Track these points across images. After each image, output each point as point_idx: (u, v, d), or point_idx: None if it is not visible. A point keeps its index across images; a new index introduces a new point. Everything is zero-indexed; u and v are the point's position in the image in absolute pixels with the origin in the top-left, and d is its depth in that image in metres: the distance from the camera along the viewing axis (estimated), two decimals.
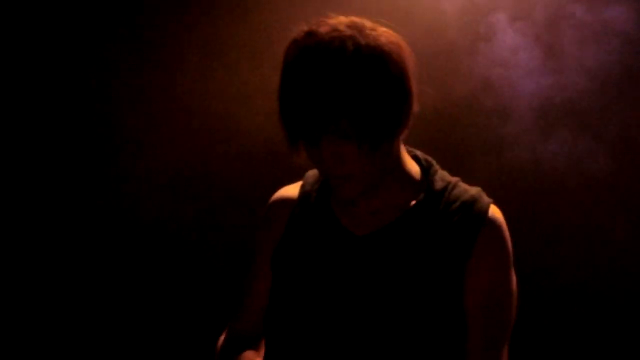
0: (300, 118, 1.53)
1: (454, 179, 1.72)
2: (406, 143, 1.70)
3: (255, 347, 1.80)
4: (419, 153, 1.75)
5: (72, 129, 3.06)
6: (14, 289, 3.02)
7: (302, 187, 1.78)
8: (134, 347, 3.04)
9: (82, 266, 3.05)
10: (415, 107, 1.60)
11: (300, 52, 1.53)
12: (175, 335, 3.05)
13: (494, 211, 1.68)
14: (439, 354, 1.62)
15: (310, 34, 1.53)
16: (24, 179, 3.05)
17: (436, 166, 1.74)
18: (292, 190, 1.80)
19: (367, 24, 1.55)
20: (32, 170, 3.05)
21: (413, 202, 1.67)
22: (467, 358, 1.64)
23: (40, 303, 3.04)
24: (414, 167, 1.71)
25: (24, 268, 3.04)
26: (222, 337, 1.86)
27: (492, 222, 1.66)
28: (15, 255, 3.04)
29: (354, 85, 1.49)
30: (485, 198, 1.69)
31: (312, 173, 1.78)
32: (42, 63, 3.05)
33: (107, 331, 3.04)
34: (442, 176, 1.72)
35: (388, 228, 1.65)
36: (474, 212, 1.66)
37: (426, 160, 1.74)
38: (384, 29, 1.57)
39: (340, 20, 1.55)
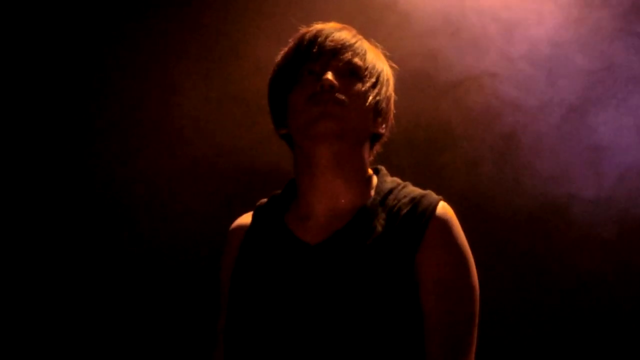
0: (314, 45, 1.75)
1: (405, 182, 1.80)
2: None
3: None
4: (381, 167, 1.85)
5: (71, 128, 3.06)
6: (12, 287, 2.99)
7: (255, 210, 1.86)
8: (133, 347, 2.99)
9: (82, 265, 3.01)
10: (391, 119, 1.84)
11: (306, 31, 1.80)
12: (173, 336, 2.98)
13: (444, 207, 1.71)
14: (401, 354, 1.61)
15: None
16: (25, 179, 3.03)
17: (386, 171, 1.83)
18: (245, 217, 1.88)
19: None
20: (33, 169, 3.04)
21: (363, 204, 1.73)
22: (428, 357, 1.62)
23: (41, 301, 2.99)
24: (372, 176, 1.81)
25: (24, 264, 3.00)
26: None
27: (441, 216, 1.68)
28: (14, 251, 3.01)
29: (362, 42, 1.79)
30: (435, 195, 1.73)
31: (264, 200, 1.88)
32: (46, 65, 3.07)
33: (106, 330, 2.99)
34: (393, 179, 1.80)
35: (340, 233, 1.69)
36: (422, 206, 1.68)
37: (377, 168, 1.84)
38: None
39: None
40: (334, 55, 1.74)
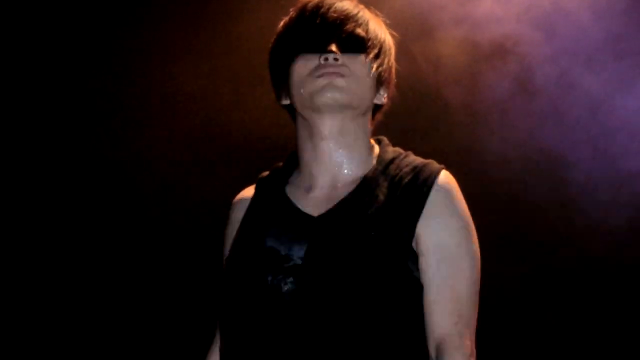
0: (317, 15, 1.74)
1: (407, 152, 1.80)
2: None
3: None
4: (383, 138, 1.85)
5: (79, 127, 3.14)
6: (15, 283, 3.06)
7: (257, 183, 1.87)
8: (136, 344, 3.08)
9: (87, 262, 3.09)
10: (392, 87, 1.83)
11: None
12: (176, 332, 3.07)
13: (446, 175, 1.72)
14: (402, 323, 1.62)
15: None
16: (34, 177, 3.12)
17: (388, 142, 1.83)
18: (247, 191, 1.89)
19: None
20: (44, 166, 3.12)
21: (366, 171, 1.74)
22: (429, 325, 1.62)
23: (46, 297, 3.07)
24: (374, 146, 1.82)
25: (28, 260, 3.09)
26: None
27: (443, 184, 1.70)
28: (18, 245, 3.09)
29: (364, 11, 1.79)
30: (437, 164, 1.74)
31: (266, 173, 1.88)
32: (56, 68, 3.15)
33: (110, 327, 3.08)
34: (395, 149, 1.81)
35: (342, 203, 1.70)
36: (424, 175, 1.70)
37: (379, 139, 1.84)
38: None
39: None
40: (336, 26, 1.73)
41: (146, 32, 3.14)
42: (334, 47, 1.70)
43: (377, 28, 1.79)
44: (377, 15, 1.84)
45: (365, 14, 1.79)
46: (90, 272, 3.08)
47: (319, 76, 1.70)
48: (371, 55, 1.74)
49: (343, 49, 1.72)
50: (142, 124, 3.11)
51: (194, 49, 3.13)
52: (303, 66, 1.73)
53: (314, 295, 1.61)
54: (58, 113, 3.11)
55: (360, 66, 1.73)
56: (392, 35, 1.85)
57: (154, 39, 3.14)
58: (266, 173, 1.89)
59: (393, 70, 1.84)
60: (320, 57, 1.71)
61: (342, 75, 1.70)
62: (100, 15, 3.12)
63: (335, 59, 1.70)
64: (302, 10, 1.78)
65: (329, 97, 1.69)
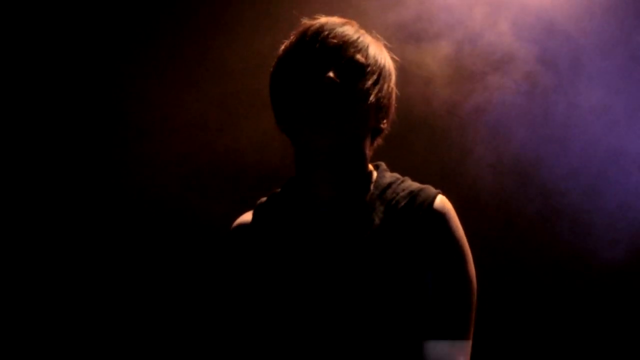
0: (316, 41, 1.72)
1: (404, 177, 1.81)
2: None
3: None
4: (381, 163, 1.87)
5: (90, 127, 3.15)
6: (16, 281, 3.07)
7: (256, 209, 1.87)
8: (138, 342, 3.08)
9: (92, 259, 3.10)
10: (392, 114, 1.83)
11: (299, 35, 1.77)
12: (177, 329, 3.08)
13: (441, 199, 1.73)
14: (398, 344, 1.66)
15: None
16: (46, 176, 3.13)
17: (385, 167, 1.85)
18: (246, 216, 1.89)
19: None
20: (56, 164, 3.14)
21: (363, 196, 1.75)
22: (425, 345, 1.66)
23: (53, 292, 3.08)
24: (372, 171, 1.83)
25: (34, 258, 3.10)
26: None
27: (438, 209, 1.70)
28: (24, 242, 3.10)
29: (364, 37, 1.78)
30: (433, 189, 1.76)
31: (264, 199, 1.89)
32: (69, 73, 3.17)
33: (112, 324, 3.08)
34: (392, 174, 1.82)
35: (338, 227, 1.71)
36: (419, 199, 1.71)
37: (378, 165, 1.86)
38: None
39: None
40: (336, 51, 1.72)
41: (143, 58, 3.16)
42: (332, 74, 1.69)
43: (378, 53, 1.78)
44: (377, 39, 1.83)
45: (365, 39, 1.78)
46: (85, 296, 3.10)
47: (316, 103, 1.70)
48: (369, 82, 1.73)
49: (342, 75, 1.71)
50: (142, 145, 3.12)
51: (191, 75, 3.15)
52: (301, 92, 1.72)
53: (315, 317, 1.66)
54: (55, 143, 3.13)
55: (358, 92, 1.72)
56: (394, 60, 1.84)
57: (152, 64, 3.16)
58: (264, 199, 1.89)
59: (393, 95, 1.84)
60: (318, 83, 1.70)
61: (339, 102, 1.69)
62: (98, 43, 3.16)
63: (334, 85, 1.69)
64: (303, 35, 1.77)
65: (325, 124, 1.69)
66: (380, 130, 1.84)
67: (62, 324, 3.05)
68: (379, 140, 1.86)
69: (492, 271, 2.65)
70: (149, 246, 3.07)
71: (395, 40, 1.98)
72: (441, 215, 1.70)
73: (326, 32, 1.74)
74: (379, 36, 1.85)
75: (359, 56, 1.74)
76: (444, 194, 1.76)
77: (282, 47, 1.82)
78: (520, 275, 3.00)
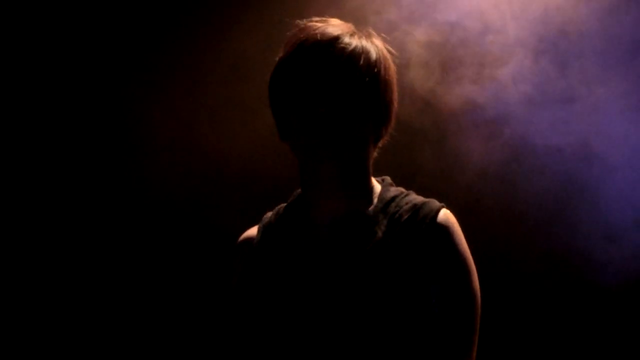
0: (313, 52, 1.67)
1: (409, 191, 1.79)
2: None
3: None
4: (386, 177, 1.84)
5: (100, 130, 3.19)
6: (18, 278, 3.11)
7: (263, 225, 1.86)
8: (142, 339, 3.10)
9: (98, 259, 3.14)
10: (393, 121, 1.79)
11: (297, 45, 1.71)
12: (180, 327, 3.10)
13: (445, 213, 1.71)
14: (407, 356, 1.63)
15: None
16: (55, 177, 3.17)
17: (391, 181, 1.83)
18: (251, 231, 1.88)
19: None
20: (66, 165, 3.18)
21: (366, 209, 1.73)
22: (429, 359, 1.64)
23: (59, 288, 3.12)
24: (376, 185, 1.81)
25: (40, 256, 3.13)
26: None
27: (442, 223, 1.69)
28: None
29: (361, 40, 1.72)
30: (437, 202, 1.74)
31: (269, 214, 1.88)
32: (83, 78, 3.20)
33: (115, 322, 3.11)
34: (397, 188, 1.81)
35: (341, 240, 1.70)
36: (423, 213, 1.69)
37: (383, 179, 1.83)
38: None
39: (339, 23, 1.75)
40: (333, 72, 1.67)
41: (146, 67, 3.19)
42: (325, 108, 1.67)
43: (378, 61, 1.73)
44: (376, 36, 1.78)
45: (362, 43, 1.72)
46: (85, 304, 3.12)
47: (314, 123, 1.68)
48: (367, 91, 1.70)
49: (338, 84, 1.67)
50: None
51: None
52: (298, 110, 1.70)
53: (315, 328, 1.64)
54: (55, 144, 3.17)
55: (355, 101, 1.69)
56: (391, 53, 1.79)
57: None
58: (270, 213, 1.88)
59: (395, 104, 1.79)
60: (315, 95, 1.67)
61: (335, 119, 1.67)
62: (97, 48, 3.19)
63: (330, 96, 1.67)
64: (300, 45, 1.72)
65: (321, 172, 1.71)
66: (381, 139, 1.80)
67: (64, 323, 3.08)
68: (380, 143, 1.82)
69: (491, 275, 2.63)
70: (149, 246, 3.12)
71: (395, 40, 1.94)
72: (444, 229, 1.68)
73: (323, 43, 1.69)
74: (373, 32, 1.79)
75: (357, 74, 1.69)
76: (447, 207, 1.74)
77: (278, 58, 1.77)
78: (520, 278, 3.01)
